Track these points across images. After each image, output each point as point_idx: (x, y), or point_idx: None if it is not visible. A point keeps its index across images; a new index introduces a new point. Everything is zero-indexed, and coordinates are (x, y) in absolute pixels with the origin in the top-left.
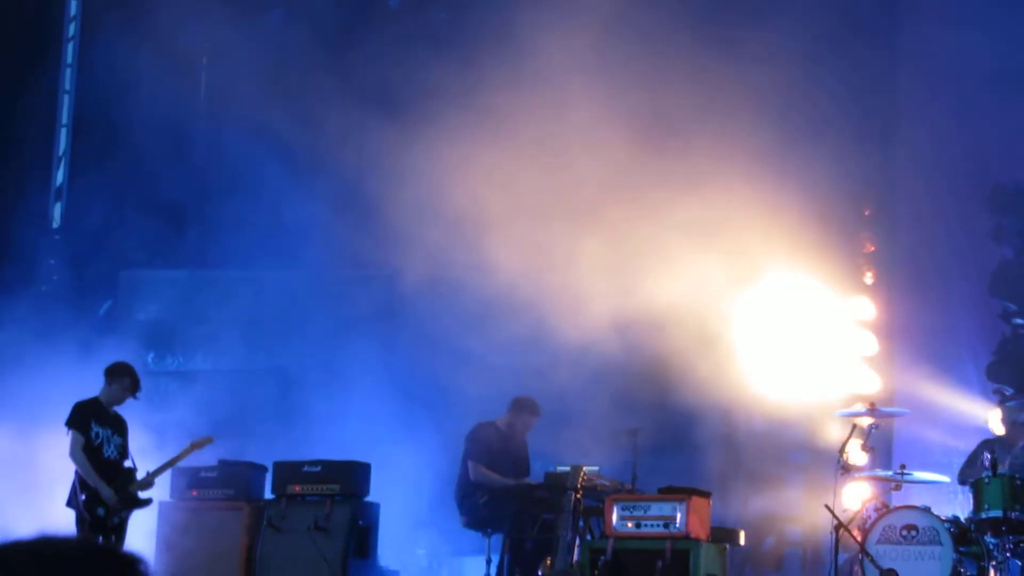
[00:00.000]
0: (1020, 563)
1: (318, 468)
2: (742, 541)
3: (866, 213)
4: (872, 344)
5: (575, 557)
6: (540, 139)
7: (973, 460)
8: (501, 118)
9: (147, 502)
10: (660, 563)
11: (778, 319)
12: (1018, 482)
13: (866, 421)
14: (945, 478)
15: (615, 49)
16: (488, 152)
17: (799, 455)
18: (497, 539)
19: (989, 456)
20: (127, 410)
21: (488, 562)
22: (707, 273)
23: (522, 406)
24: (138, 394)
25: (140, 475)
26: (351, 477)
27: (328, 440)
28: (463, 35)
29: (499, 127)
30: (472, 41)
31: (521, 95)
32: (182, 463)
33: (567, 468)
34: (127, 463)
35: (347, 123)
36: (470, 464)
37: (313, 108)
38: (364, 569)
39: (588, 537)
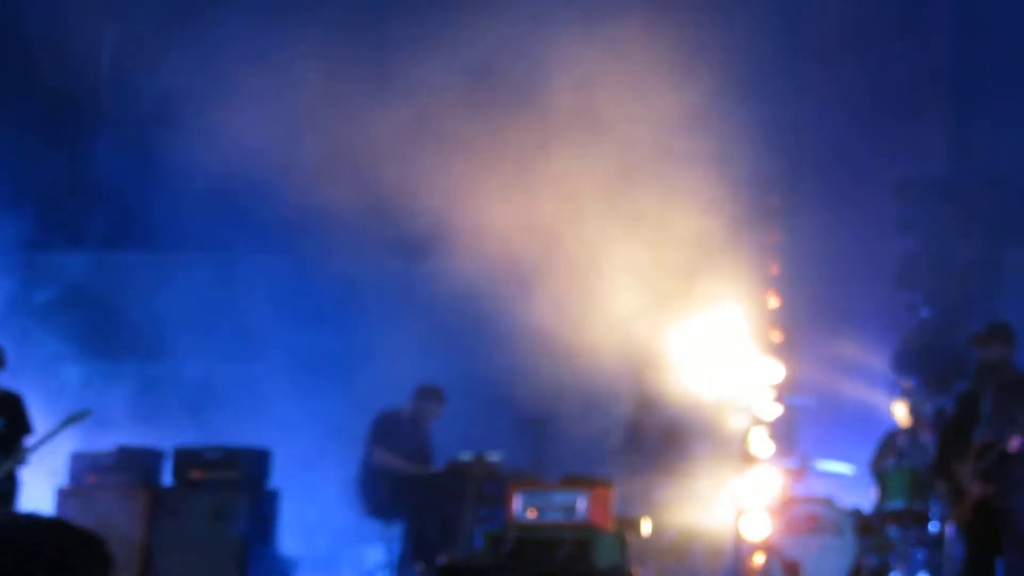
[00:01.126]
0: (922, 554)
1: (218, 454)
2: (644, 531)
3: (772, 204)
4: (777, 334)
5: (477, 545)
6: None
7: (881, 455)
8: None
9: (8, 484)
10: (561, 552)
11: (682, 307)
12: (921, 473)
13: (770, 411)
14: (849, 468)
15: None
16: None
17: (703, 445)
18: (398, 527)
19: (894, 452)
20: (31, 389)
21: (389, 550)
22: (609, 260)
23: (427, 394)
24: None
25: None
26: (252, 464)
27: (230, 426)
28: None
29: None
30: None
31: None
32: (79, 449)
33: (470, 457)
34: (26, 439)
35: (262, 91)
36: (374, 450)
37: (229, 71)
38: (263, 557)
39: (490, 525)
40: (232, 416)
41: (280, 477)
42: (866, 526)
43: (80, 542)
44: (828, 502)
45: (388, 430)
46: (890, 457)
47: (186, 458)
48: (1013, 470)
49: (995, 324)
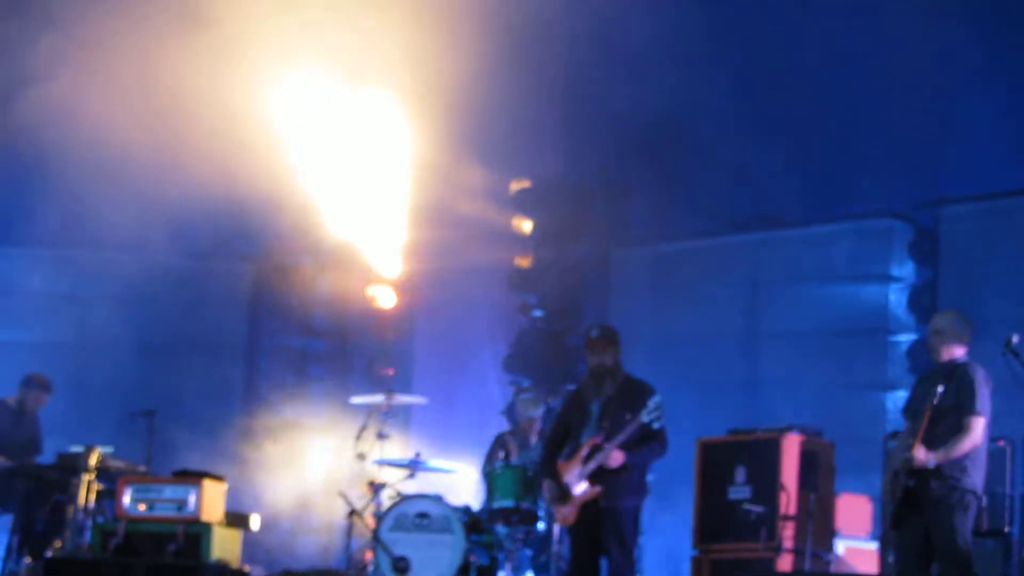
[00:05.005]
0: (530, 553)
1: None
2: (256, 526)
3: (391, 208)
4: (391, 331)
5: (86, 539)
6: None
7: (491, 455)
8: None
9: None
10: (172, 546)
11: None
12: (529, 473)
13: (383, 408)
14: (460, 467)
15: None
16: None
17: (318, 442)
18: (6, 519)
19: (503, 452)
20: None
21: None
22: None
23: (33, 382)
24: None
25: None
26: None
27: None
28: None
29: None
30: None
31: None
32: None
33: (80, 449)
34: None
35: None
36: None
37: None
38: None
39: (100, 519)
40: None
41: None
42: (475, 524)
43: None
44: (438, 499)
45: None
46: (500, 456)
47: None
48: (618, 471)
49: (605, 329)
